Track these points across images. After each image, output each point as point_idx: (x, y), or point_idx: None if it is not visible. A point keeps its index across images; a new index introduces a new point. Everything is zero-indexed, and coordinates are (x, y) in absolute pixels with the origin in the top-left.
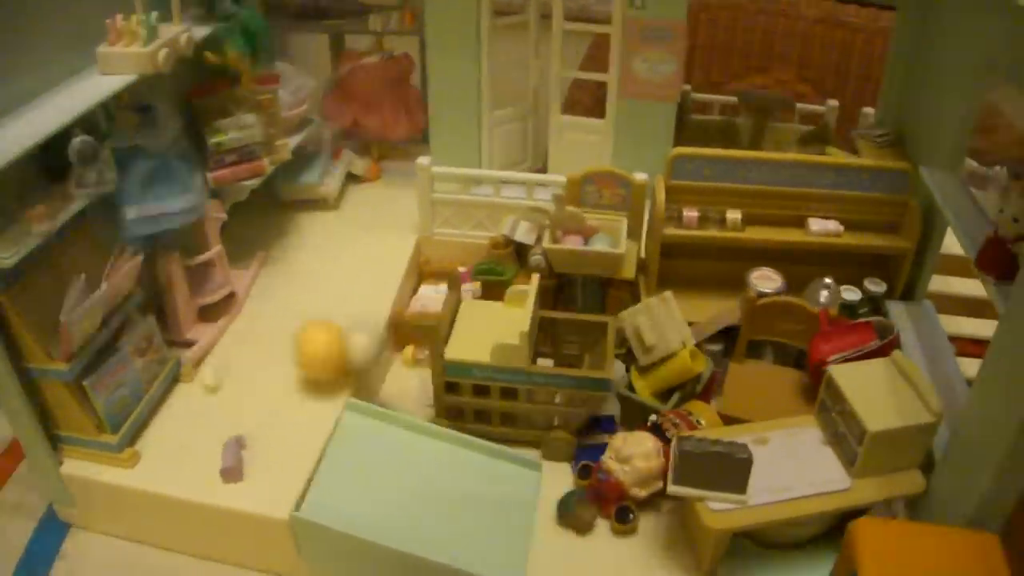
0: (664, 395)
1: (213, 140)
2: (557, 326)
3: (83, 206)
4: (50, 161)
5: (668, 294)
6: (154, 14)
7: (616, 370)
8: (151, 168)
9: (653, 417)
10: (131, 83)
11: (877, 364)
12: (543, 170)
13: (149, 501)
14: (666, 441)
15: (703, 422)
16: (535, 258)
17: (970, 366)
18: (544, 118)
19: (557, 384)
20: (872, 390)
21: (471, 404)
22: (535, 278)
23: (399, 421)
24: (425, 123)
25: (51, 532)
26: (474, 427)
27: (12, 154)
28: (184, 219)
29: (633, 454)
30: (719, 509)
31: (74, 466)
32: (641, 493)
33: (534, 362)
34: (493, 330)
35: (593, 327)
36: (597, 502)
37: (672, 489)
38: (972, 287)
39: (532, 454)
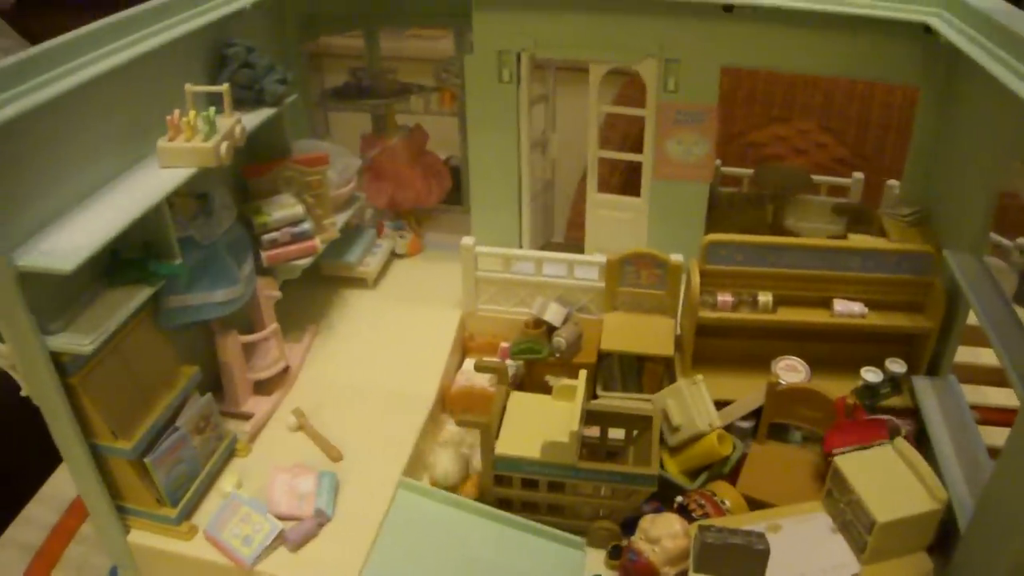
0: (693, 474)
1: (258, 221)
2: (603, 417)
3: (152, 292)
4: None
5: (699, 378)
6: (212, 109)
7: None
8: (199, 259)
9: (680, 499)
10: (194, 173)
11: (881, 452)
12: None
13: (213, 571)
14: (690, 519)
15: (728, 502)
16: (557, 340)
17: (995, 435)
18: (561, 191)
19: (605, 480)
20: (877, 479)
21: (519, 496)
22: (583, 373)
23: (448, 500)
24: (450, 184)
25: None
26: (522, 517)
27: (96, 244)
28: (225, 310)
29: (662, 535)
30: None
31: (138, 535)
32: (671, 572)
33: (581, 455)
34: (542, 424)
35: (638, 420)
36: None
37: None
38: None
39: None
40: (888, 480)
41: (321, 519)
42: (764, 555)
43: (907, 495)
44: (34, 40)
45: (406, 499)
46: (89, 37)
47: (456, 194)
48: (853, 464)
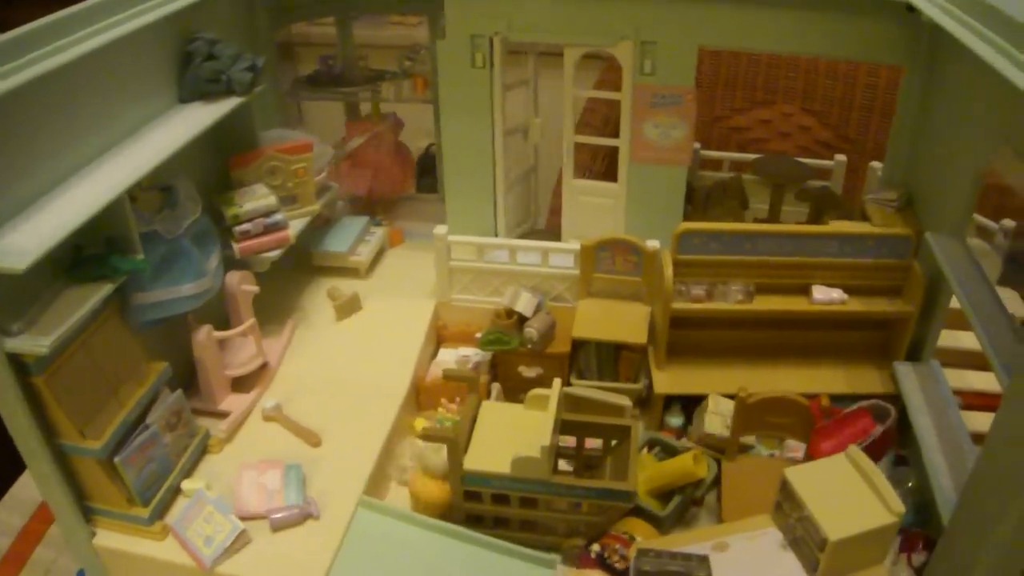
0: (663, 497)
1: (230, 213)
2: (579, 427)
3: (113, 288)
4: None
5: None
6: None
7: None
8: (164, 253)
9: (596, 548)
10: (155, 166)
11: (834, 463)
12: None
13: (181, 573)
14: (613, 572)
15: (640, 540)
16: (528, 331)
17: (979, 420)
18: (544, 177)
19: (578, 495)
20: (830, 493)
21: (491, 511)
22: (557, 382)
23: (411, 519)
24: (416, 174)
25: None
26: (493, 533)
27: (52, 241)
28: (194, 303)
29: None
30: None
31: (107, 537)
32: None
33: (555, 465)
34: (514, 436)
35: (616, 430)
36: None
37: None
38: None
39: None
40: (840, 493)
41: (311, 509)
42: None
43: (861, 509)
44: None
45: (366, 518)
46: (48, 28)
47: (434, 182)
48: (803, 476)
